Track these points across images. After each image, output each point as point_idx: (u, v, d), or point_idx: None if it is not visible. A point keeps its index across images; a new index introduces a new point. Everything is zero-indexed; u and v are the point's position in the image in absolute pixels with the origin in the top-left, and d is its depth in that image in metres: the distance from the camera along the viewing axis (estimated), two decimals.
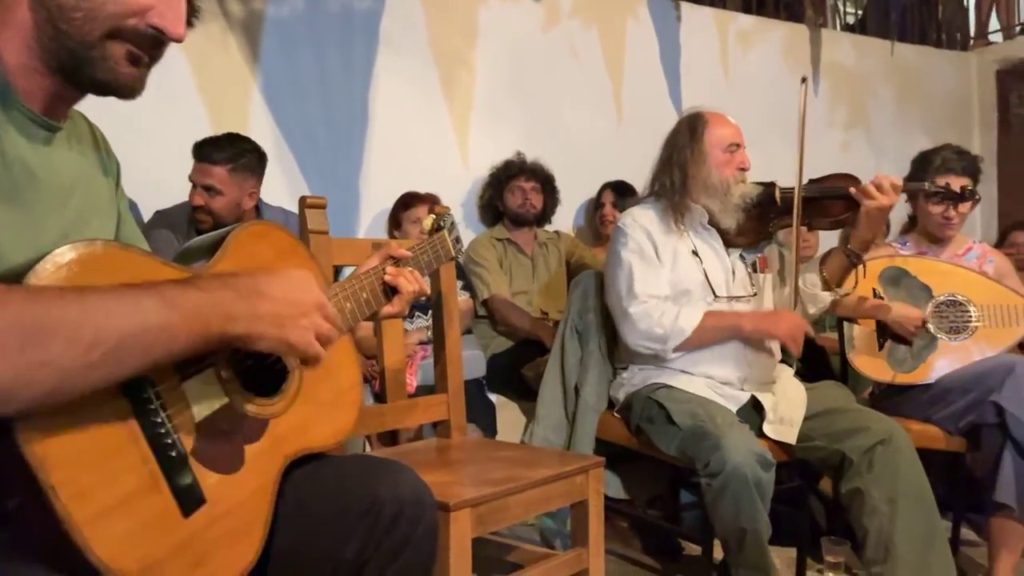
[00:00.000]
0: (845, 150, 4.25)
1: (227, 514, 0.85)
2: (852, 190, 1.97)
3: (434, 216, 1.36)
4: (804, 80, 2.03)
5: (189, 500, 0.81)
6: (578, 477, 1.61)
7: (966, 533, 2.51)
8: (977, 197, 2.10)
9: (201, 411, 0.84)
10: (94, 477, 0.74)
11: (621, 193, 3.31)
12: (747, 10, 4.18)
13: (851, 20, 5.02)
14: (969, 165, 2.29)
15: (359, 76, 3.10)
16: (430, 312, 1.93)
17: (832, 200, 2.04)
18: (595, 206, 3.46)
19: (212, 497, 0.83)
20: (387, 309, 1.20)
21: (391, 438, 2.34)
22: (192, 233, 2.40)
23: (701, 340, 1.96)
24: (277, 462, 0.93)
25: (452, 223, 1.38)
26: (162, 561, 0.78)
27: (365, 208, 3.10)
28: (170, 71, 2.70)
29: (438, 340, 1.83)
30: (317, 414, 1.00)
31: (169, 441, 0.80)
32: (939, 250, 2.38)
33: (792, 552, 2.19)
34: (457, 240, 1.38)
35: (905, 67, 4.54)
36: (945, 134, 4.62)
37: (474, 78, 3.34)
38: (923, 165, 2.34)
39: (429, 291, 1.28)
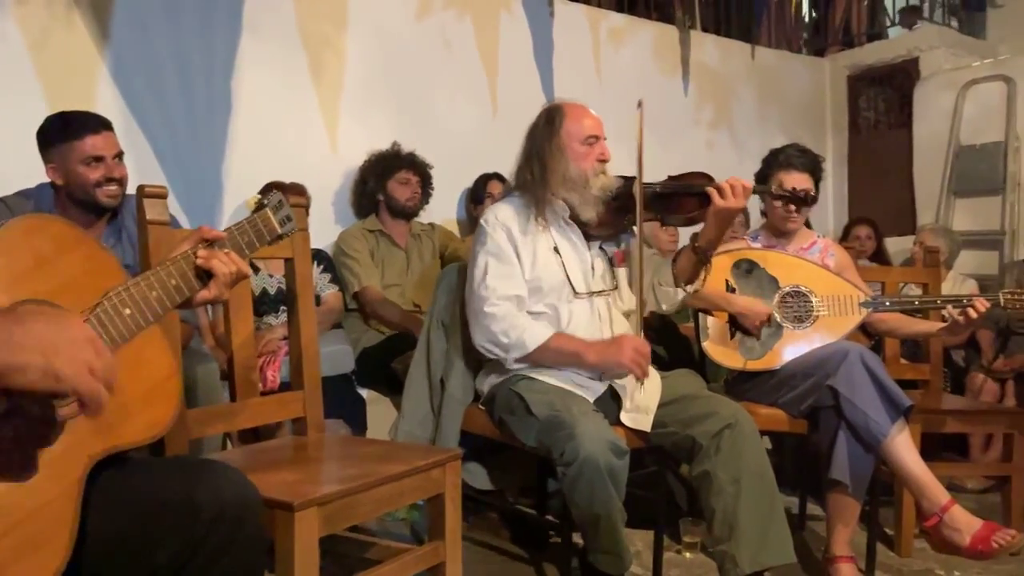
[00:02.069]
0: (710, 148, 4.44)
1: (21, 523, 0.79)
2: (708, 189, 2.01)
3: (259, 196, 1.33)
4: (640, 104, 2.04)
5: None
6: (434, 471, 1.60)
7: (813, 509, 2.68)
8: (814, 199, 2.21)
9: None
10: None
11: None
12: (619, 9, 4.29)
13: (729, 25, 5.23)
14: (809, 162, 2.44)
15: (221, 59, 2.97)
16: None
17: (686, 198, 2.10)
18: (474, 197, 3.43)
19: (1, 507, 0.77)
20: (203, 294, 1.15)
21: (253, 437, 2.26)
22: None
23: (542, 358, 1.98)
24: (80, 464, 0.87)
25: (279, 202, 1.33)
26: None
27: (229, 197, 2.98)
28: (2, 49, 2.51)
29: (293, 334, 1.78)
30: (126, 410, 0.94)
31: None
32: (786, 244, 2.52)
33: (652, 534, 2.27)
34: (287, 219, 1.33)
35: (765, 70, 4.78)
36: (801, 135, 4.91)
37: (344, 65, 3.27)
38: (770, 161, 2.48)
39: (249, 272, 1.23)
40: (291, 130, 3.14)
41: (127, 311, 0.96)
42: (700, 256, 2.06)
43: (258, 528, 0.98)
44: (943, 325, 2.34)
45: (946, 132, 4.47)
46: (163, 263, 1.10)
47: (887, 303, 2.37)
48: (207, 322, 2.49)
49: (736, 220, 3.97)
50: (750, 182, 2.05)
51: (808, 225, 2.59)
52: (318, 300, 2.77)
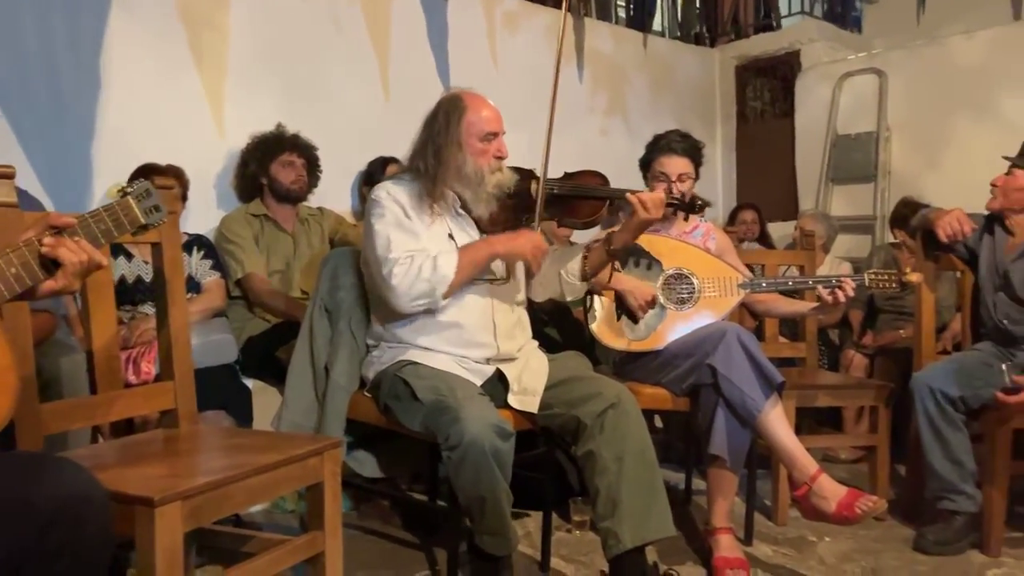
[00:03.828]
0: (605, 135, 4.50)
1: None
2: (630, 201, 2.07)
3: (123, 184, 1.25)
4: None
5: None
6: (312, 460, 1.57)
7: (699, 484, 2.77)
8: (702, 206, 2.27)
9: None
10: None
11: None
12: None
13: (622, 13, 5.31)
14: (689, 147, 2.52)
15: (88, 35, 2.79)
16: None
17: (583, 202, 2.14)
18: (369, 181, 3.34)
19: None
20: (49, 284, 1.08)
21: (128, 431, 2.15)
22: None
23: (464, 276, 1.96)
24: None
25: (146, 191, 1.27)
26: None
27: (100, 180, 2.81)
28: None
29: (162, 323, 1.70)
30: None
31: None
32: (670, 227, 2.59)
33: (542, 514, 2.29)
34: (154, 210, 1.27)
35: (658, 59, 4.88)
36: (692, 123, 5.04)
37: (227, 43, 3.14)
38: (651, 147, 2.56)
39: (105, 262, 1.17)
40: (172, 110, 2.99)
41: None
42: (612, 257, 2.17)
43: (102, 527, 0.93)
44: (815, 305, 2.45)
45: (825, 122, 4.69)
46: (2, 251, 1.02)
47: (763, 284, 2.47)
48: (76, 311, 2.35)
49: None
50: (662, 194, 2.13)
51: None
52: (199, 287, 2.66)
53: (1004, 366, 2.30)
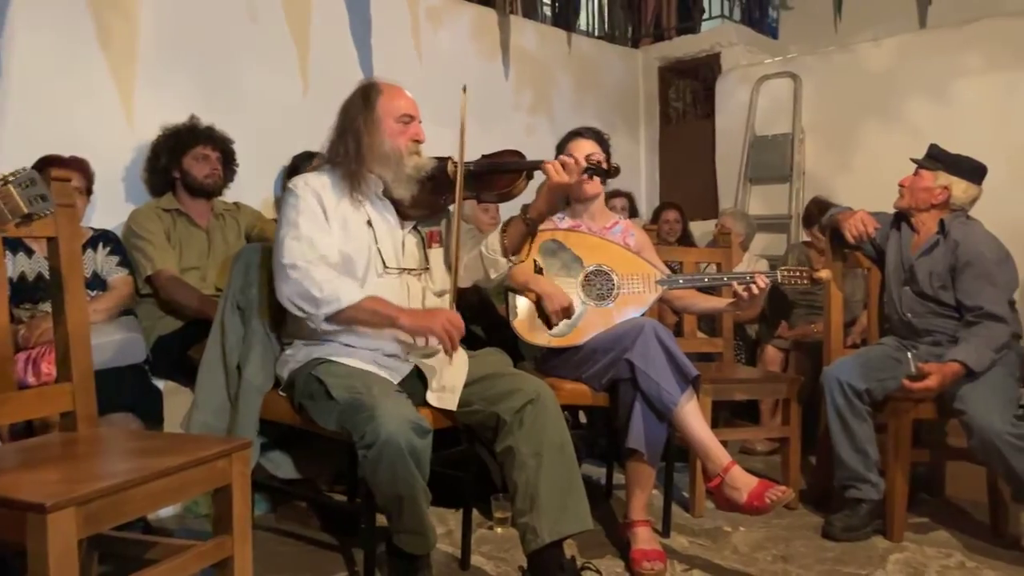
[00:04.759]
0: (530, 133, 4.51)
1: None
2: (543, 166, 2.08)
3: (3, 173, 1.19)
4: (465, 89, 2.09)
5: None
6: (219, 462, 1.51)
7: (620, 477, 2.80)
8: (616, 170, 2.29)
9: None
10: None
11: None
12: None
13: (548, 12, 5.33)
14: (596, 134, 2.57)
15: None
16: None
17: (499, 175, 2.14)
18: (293, 175, 3.26)
19: None
20: None
21: (26, 433, 2.05)
22: None
23: (354, 318, 1.92)
24: None
25: (31, 179, 1.21)
26: None
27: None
28: None
29: (57, 322, 1.62)
30: None
31: None
32: (591, 223, 2.61)
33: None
34: (40, 199, 1.21)
35: (582, 58, 4.92)
36: (617, 123, 5.13)
37: (137, 31, 3.01)
38: (562, 140, 2.59)
39: None
40: (77, 100, 2.85)
41: None
42: (530, 227, 2.15)
43: None
44: (731, 300, 2.52)
45: (743, 123, 4.82)
46: None
47: (680, 280, 2.51)
48: None
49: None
50: (582, 160, 2.14)
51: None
52: (105, 285, 2.55)
53: (910, 355, 2.40)
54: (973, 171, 2.61)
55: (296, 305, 1.92)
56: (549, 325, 2.36)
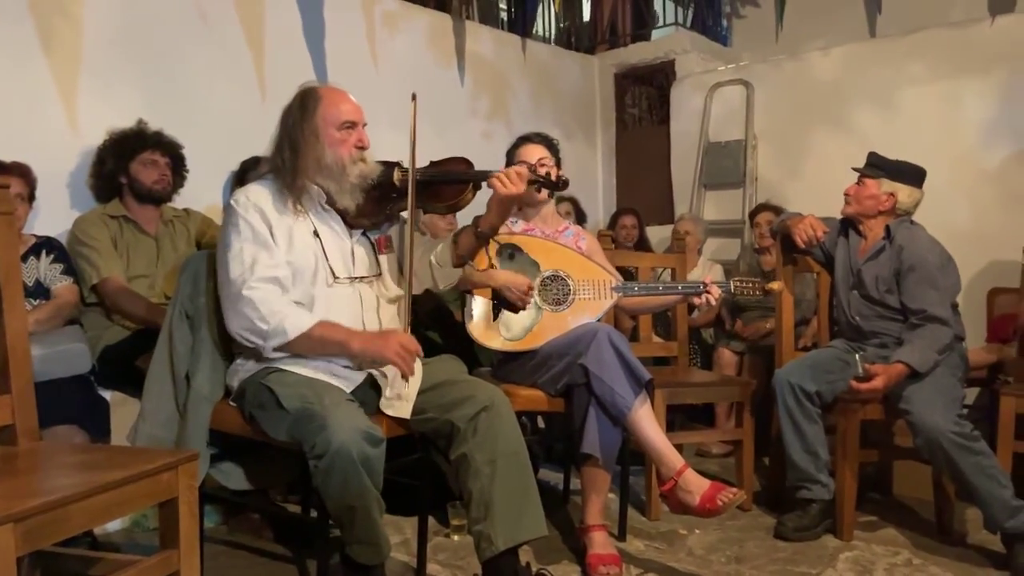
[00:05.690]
0: (487, 139, 4.51)
1: None
2: (490, 179, 2.04)
3: None
4: (414, 97, 2.05)
5: None
6: (165, 474, 1.48)
7: (577, 483, 2.81)
8: (564, 183, 2.30)
9: None
10: None
11: None
12: None
13: (504, 17, 5.34)
14: (545, 139, 2.61)
15: None
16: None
17: (445, 186, 2.10)
18: (242, 181, 3.21)
19: None
20: None
21: None
22: None
23: (304, 347, 1.89)
24: None
25: None
26: None
27: None
28: None
29: None
30: None
31: None
32: (543, 227, 2.62)
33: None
34: None
35: (538, 65, 4.94)
36: (574, 129, 5.16)
37: (81, 34, 2.94)
38: (512, 146, 2.64)
39: None
40: (18, 103, 2.77)
41: None
42: (481, 240, 2.13)
43: None
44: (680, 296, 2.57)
45: (697, 130, 4.89)
46: None
47: (635, 288, 2.53)
48: None
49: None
50: (525, 170, 2.09)
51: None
52: (49, 293, 2.48)
53: (857, 356, 2.46)
54: (914, 175, 2.68)
55: (244, 338, 1.90)
56: (515, 311, 2.36)
